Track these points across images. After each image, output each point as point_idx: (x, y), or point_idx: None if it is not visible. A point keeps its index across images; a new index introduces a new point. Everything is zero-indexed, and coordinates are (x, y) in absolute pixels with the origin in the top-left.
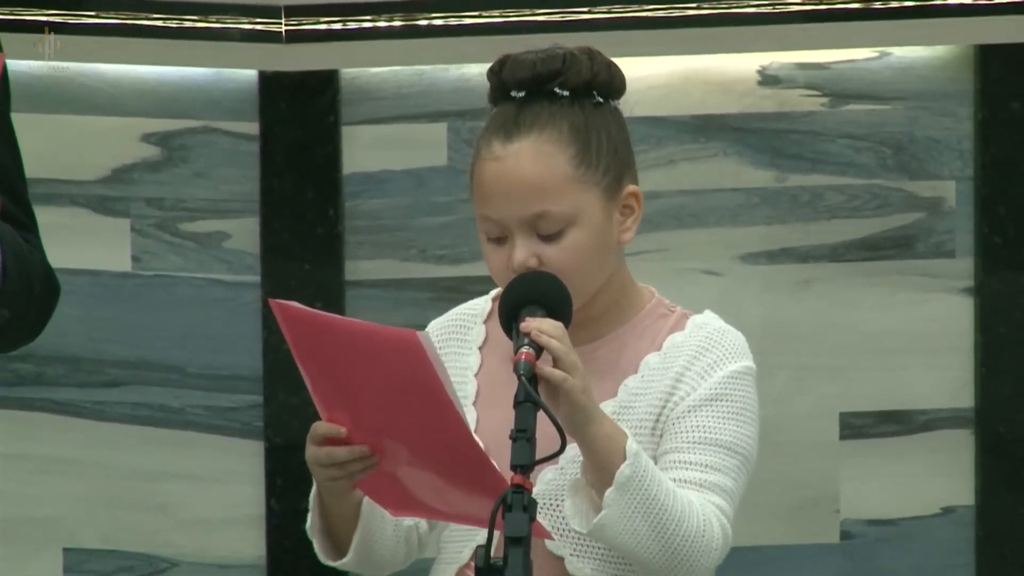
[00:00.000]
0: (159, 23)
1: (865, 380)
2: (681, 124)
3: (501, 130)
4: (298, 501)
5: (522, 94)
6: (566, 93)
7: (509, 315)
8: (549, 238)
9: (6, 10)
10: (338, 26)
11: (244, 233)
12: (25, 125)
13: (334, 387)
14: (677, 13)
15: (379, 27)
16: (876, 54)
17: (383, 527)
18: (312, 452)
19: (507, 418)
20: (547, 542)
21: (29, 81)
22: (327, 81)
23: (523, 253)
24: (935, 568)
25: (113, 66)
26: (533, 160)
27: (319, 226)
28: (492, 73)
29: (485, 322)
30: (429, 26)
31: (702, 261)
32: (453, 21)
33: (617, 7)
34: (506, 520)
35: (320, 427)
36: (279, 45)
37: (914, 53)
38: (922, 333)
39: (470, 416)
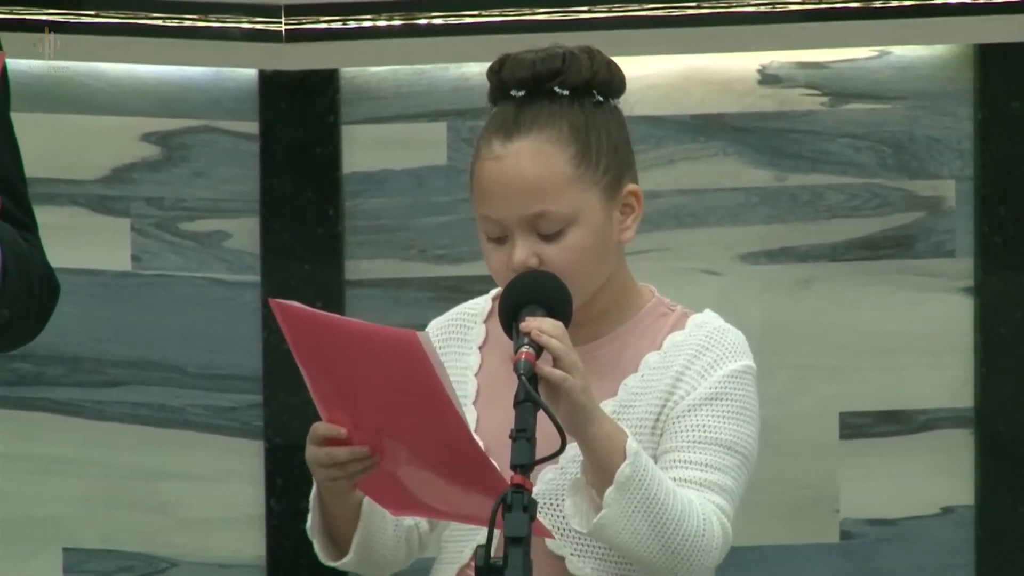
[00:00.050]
0: (159, 23)
1: (865, 380)
2: (681, 124)
3: (501, 130)
4: (298, 501)
5: (522, 93)
6: (566, 92)
7: (509, 315)
8: (549, 238)
9: (6, 10)
10: (338, 26)
11: (244, 233)
12: (25, 125)
13: (334, 387)
14: (677, 13)
15: (379, 27)
16: (876, 53)
17: (383, 527)
18: (312, 452)
19: (507, 418)
20: (548, 542)
21: (29, 81)
22: (327, 81)
23: (523, 253)
24: (935, 568)
25: (113, 66)
26: (533, 160)
27: (319, 226)
28: (492, 72)
29: (485, 322)
30: (429, 26)
31: (702, 261)
32: (453, 20)
33: (617, 7)
34: (506, 520)
35: (320, 427)
36: (279, 44)
37: (914, 52)
38: (922, 333)
39: (470, 416)
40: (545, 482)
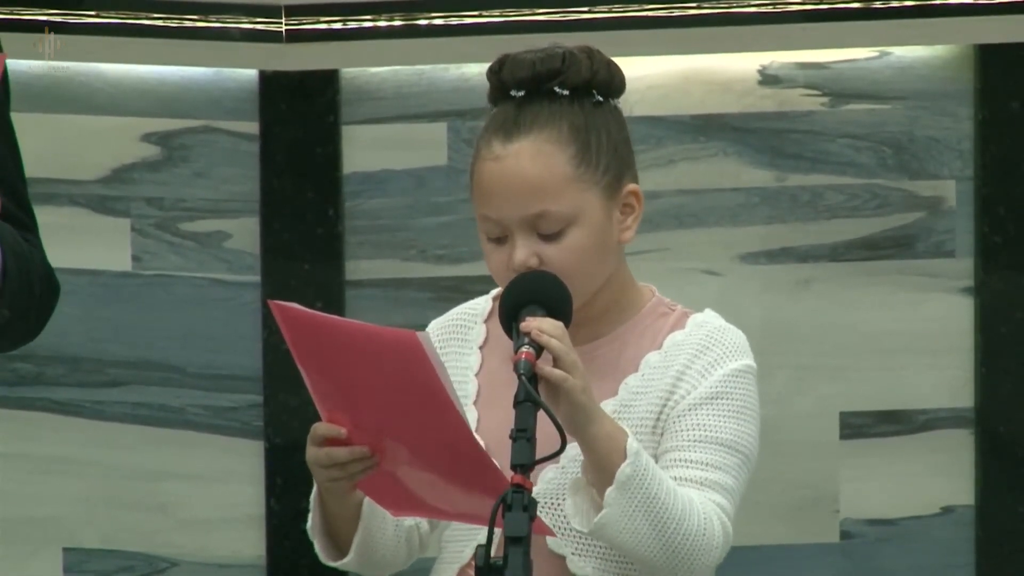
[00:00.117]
0: (159, 23)
1: (865, 380)
2: (681, 124)
3: (501, 130)
4: (298, 501)
5: (521, 94)
6: (566, 92)
7: (509, 315)
8: (549, 237)
9: (6, 10)
10: (338, 26)
11: (244, 233)
12: (25, 125)
13: (334, 388)
14: (677, 13)
15: (379, 27)
16: (876, 54)
17: (384, 527)
18: (312, 453)
19: (508, 418)
20: (549, 541)
21: (29, 81)
22: (327, 81)
23: (523, 253)
24: (935, 568)
25: (113, 66)
26: (533, 160)
27: (319, 226)
28: (491, 73)
29: (485, 322)
30: (429, 26)
31: (702, 261)
32: (453, 21)
33: (617, 7)
34: (506, 520)
35: (320, 428)
36: (279, 45)
37: (914, 53)
38: (922, 333)
39: (471, 416)
40: (546, 482)
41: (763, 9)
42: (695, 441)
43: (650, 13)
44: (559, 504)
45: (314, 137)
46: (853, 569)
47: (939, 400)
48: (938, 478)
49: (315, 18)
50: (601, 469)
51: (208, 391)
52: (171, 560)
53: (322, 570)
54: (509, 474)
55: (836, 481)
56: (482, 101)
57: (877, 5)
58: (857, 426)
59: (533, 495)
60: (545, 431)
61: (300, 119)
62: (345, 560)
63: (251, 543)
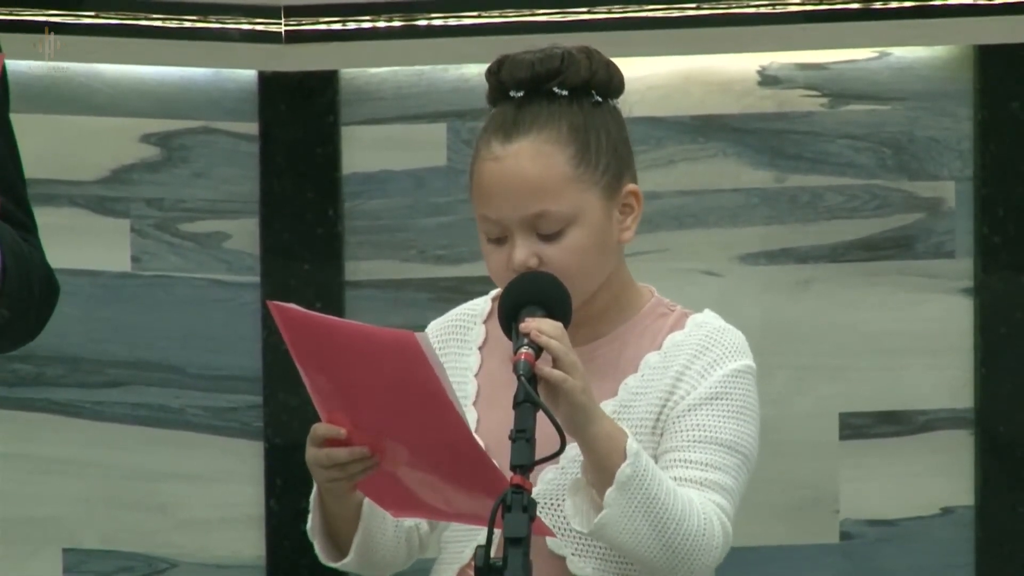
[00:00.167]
0: (159, 23)
1: (865, 380)
2: (680, 124)
3: (500, 130)
4: (298, 501)
5: (521, 94)
6: (565, 93)
7: (509, 315)
8: (549, 238)
9: (6, 10)
10: (338, 26)
11: (244, 233)
12: (25, 125)
13: (334, 389)
14: (677, 13)
15: (379, 27)
16: (876, 54)
17: (384, 528)
18: (312, 453)
19: (507, 418)
20: (548, 542)
21: (29, 81)
22: (327, 81)
23: (523, 253)
24: (935, 568)
25: (113, 66)
26: (532, 160)
27: (319, 226)
28: (490, 73)
29: (485, 322)
30: (429, 26)
31: (702, 261)
32: (453, 21)
33: (617, 7)
34: (505, 520)
35: (320, 428)
36: (279, 45)
37: (914, 53)
38: (922, 333)
39: (470, 416)
40: (545, 482)
41: (763, 9)
42: (695, 441)
43: (650, 13)
44: (559, 505)
45: (314, 137)
46: (853, 569)
47: (939, 400)
48: (938, 478)
49: (315, 19)
50: (601, 469)
51: (208, 391)
52: (171, 560)
53: (322, 571)
54: (509, 475)
55: (836, 481)
56: (482, 102)
57: (877, 5)
58: (857, 426)
59: (533, 496)
60: (545, 432)
61: (300, 120)
62: (345, 561)
63: (251, 543)
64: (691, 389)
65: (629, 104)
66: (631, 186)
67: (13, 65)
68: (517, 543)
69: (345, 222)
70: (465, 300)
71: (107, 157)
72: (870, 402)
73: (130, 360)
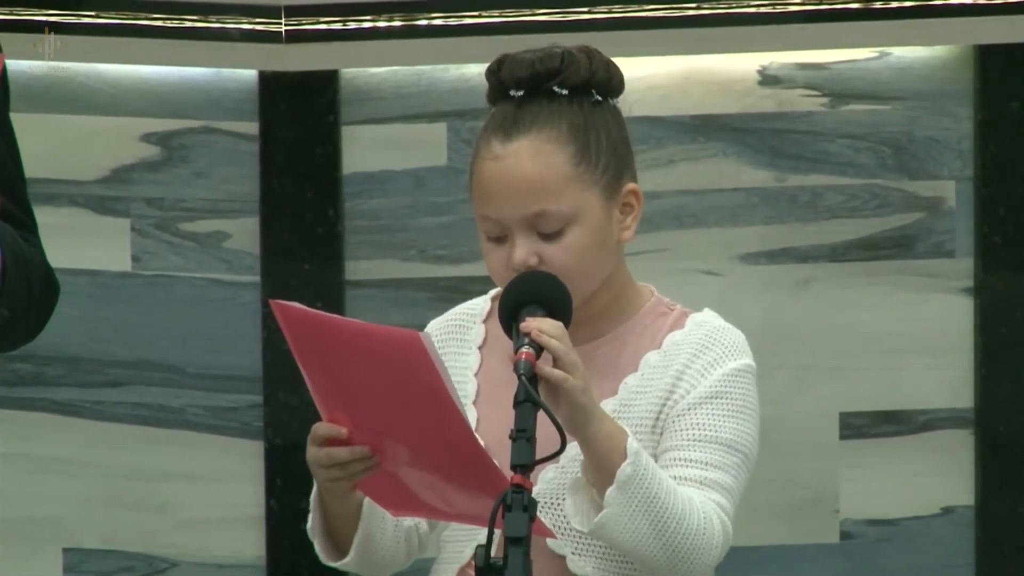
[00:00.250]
0: (159, 23)
1: (865, 380)
2: (680, 124)
3: (500, 129)
4: (298, 501)
5: (521, 93)
6: (565, 92)
7: (509, 315)
8: (549, 237)
9: (6, 10)
10: (338, 26)
11: (244, 233)
12: (25, 125)
13: (335, 387)
14: (677, 13)
15: (379, 27)
16: (876, 54)
17: (384, 528)
18: (313, 453)
19: (507, 418)
20: (548, 541)
21: (29, 81)
22: (327, 81)
23: (523, 252)
24: (935, 568)
25: (113, 66)
26: (532, 159)
27: (319, 226)
28: (490, 72)
29: (484, 322)
30: (429, 26)
31: (702, 261)
32: (453, 21)
33: (617, 7)
34: (506, 520)
35: (321, 428)
36: (279, 45)
37: (914, 53)
38: (922, 333)
39: (470, 415)
40: (546, 481)
41: (763, 9)
42: (694, 440)
43: (650, 13)
44: (559, 504)
45: (314, 137)
46: (853, 569)
47: (939, 400)
48: (938, 478)
49: (315, 18)
50: (601, 469)
51: (208, 391)
52: (171, 560)
53: (322, 570)
54: (509, 474)
55: (836, 481)
56: (482, 101)
57: (877, 5)
58: (857, 426)
59: (533, 495)
60: (545, 431)
61: (300, 119)
62: (345, 560)
63: (251, 543)
64: (691, 388)
65: (629, 104)
66: (631, 185)
67: (13, 65)
68: (517, 543)
69: (345, 222)
70: (465, 300)
71: (107, 157)
72: (870, 402)
73: (130, 360)
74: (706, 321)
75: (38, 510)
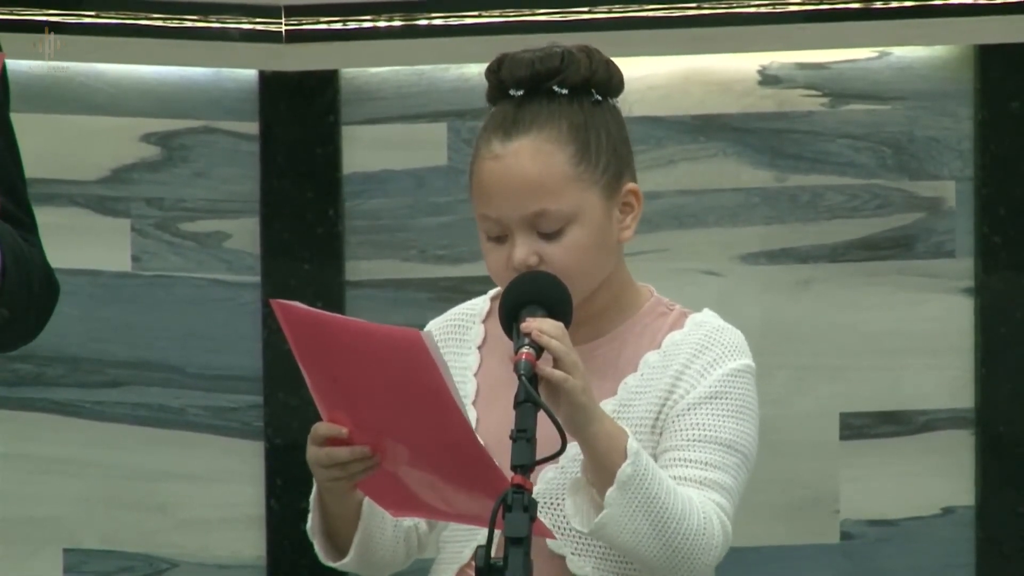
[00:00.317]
0: (159, 23)
1: (865, 380)
2: (681, 124)
3: (500, 129)
4: (298, 501)
5: (520, 93)
6: (565, 91)
7: (509, 315)
8: (549, 236)
9: (6, 10)
10: (338, 26)
11: (244, 233)
12: (25, 125)
13: (335, 387)
14: (677, 13)
15: (379, 27)
16: (876, 54)
17: (383, 528)
18: (313, 452)
19: (507, 418)
20: (548, 541)
21: (29, 81)
22: (327, 81)
23: (523, 251)
24: (935, 568)
25: (113, 66)
26: (532, 158)
27: (319, 226)
28: (490, 72)
29: (484, 322)
30: (429, 26)
31: (702, 261)
32: (453, 21)
33: (617, 7)
34: (506, 520)
35: (321, 427)
36: (279, 45)
37: (914, 53)
38: (922, 333)
39: (470, 416)
40: (546, 482)
41: (763, 9)
42: (694, 440)
43: (650, 13)
44: (559, 504)
45: (314, 137)
46: (853, 569)
47: (939, 400)
48: (938, 478)
49: (315, 18)
50: (601, 469)
51: (208, 391)
52: (171, 560)
53: (322, 570)
54: (509, 474)
55: (836, 481)
56: (482, 101)
57: (877, 5)
58: (857, 426)
59: (533, 495)
60: (545, 431)
61: (300, 119)
62: (344, 560)
63: (251, 543)
64: (690, 388)
65: (629, 104)
66: (631, 185)
67: (13, 65)
68: (518, 543)
69: (345, 222)
70: (465, 300)
71: (107, 157)
72: (870, 402)
73: (130, 360)
74: (706, 321)
75: (38, 510)
